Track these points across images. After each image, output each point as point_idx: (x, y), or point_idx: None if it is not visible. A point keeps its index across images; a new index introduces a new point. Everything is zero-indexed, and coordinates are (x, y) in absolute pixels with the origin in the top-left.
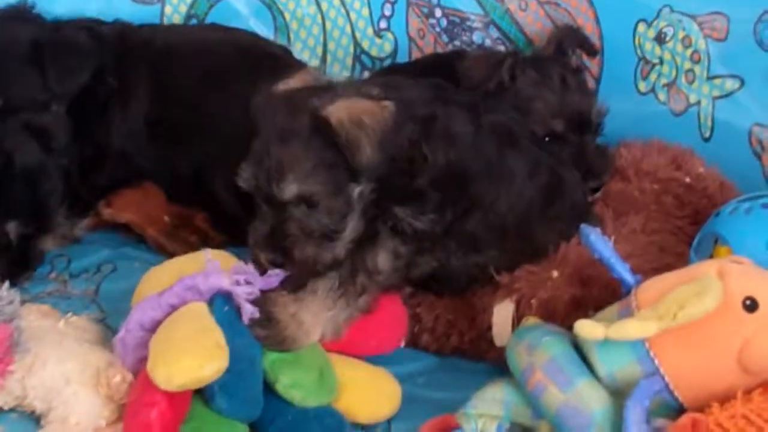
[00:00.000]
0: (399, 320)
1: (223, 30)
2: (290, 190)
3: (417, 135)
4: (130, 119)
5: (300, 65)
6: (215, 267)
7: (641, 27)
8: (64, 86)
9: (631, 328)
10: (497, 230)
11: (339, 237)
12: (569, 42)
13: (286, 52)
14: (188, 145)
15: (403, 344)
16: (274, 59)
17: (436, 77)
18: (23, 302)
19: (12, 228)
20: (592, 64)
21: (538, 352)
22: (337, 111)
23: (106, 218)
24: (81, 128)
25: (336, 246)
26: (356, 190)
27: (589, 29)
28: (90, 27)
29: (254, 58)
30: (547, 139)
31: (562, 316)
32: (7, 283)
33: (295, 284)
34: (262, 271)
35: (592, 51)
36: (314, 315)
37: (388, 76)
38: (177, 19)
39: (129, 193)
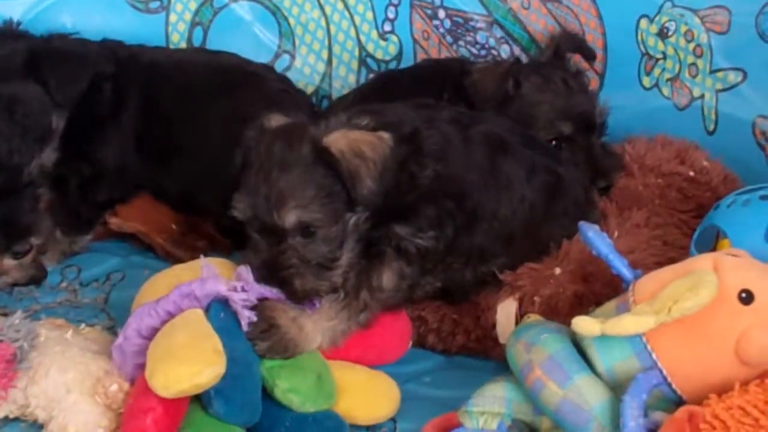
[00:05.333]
0: (401, 334)
1: (206, 52)
2: (291, 217)
3: (403, 155)
4: (123, 134)
5: (282, 82)
6: (212, 273)
7: (644, 23)
8: (64, 94)
9: (628, 323)
10: (505, 238)
11: (336, 265)
12: (567, 47)
13: (269, 70)
14: (170, 164)
15: (410, 345)
16: (253, 77)
17: (436, 84)
18: (35, 311)
19: None
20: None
21: (537, 350)
22: (338, 141)
23: (113, 228)
24: (79, 147)
25: (333, 274)
26: (352, 219)
27: (592, 26)
28: (81, 41)
29: (233, 79)
30: (554, 142)
31: (565, 312)
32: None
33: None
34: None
35: (590, 55)
36: (314, 322)
37: (369, 104)
38: (182, 27)
39: (135, 202)
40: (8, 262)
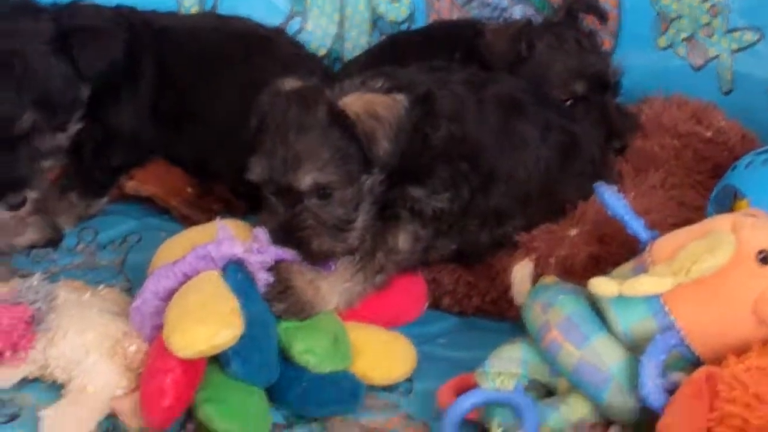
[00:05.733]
0: (416, 295)
1: (218, 17)
2: (307, 179)
3: (417, 116)
4: (138, 100)
5: (294, 45)
6: (228, 235)
7: None
8: (92, 69)
9: (645, 284)
10: (521, 199)
11: (351, 227)
12: (579, 7)
13: (281, 34)
14: (184, 130)
15: (425, 307)
16: (266, 41)
17: (448, 46)
18: (53, 274)
19: None
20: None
21: (554, 311)
22: (353, 103)
23: (129, 192)
24: (94, 112)
25: (349, 236)
26: (368, 181)
27: None
28: (95, 7)
29: (246, 44)
30: (569, 102)
31: (580, 274)
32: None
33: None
34: None
35: (602, 16)
36: (330, 284)
37: (382, 67)
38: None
39: (151, 165)
40: (3, 214)
